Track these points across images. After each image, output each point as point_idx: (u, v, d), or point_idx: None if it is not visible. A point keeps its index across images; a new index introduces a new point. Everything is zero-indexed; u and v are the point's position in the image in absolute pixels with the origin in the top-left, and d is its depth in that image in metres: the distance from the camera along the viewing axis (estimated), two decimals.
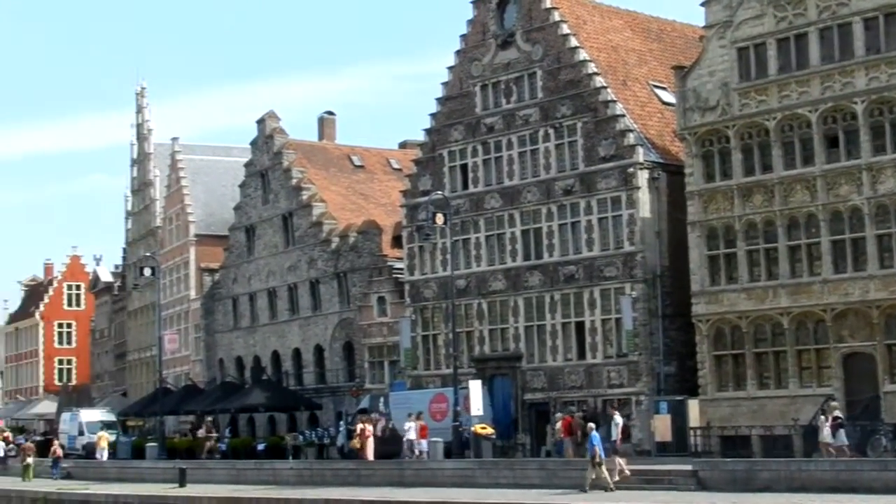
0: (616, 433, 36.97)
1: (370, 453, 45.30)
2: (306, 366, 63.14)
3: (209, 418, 57.45)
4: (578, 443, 40.47)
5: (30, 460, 57.09)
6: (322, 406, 60.34)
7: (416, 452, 43.69)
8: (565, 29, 49.98)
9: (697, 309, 44.30)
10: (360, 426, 46.38)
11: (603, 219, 47.90)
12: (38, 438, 70.70)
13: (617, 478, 34.04)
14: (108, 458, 59.46)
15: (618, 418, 37.63)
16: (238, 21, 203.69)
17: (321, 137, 74.23)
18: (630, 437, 44.54)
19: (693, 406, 44.00)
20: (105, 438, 60.21)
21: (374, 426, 47.64)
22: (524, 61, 51.01)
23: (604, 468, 33.66)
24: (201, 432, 54.79)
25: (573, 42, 49.71)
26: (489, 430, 43.98)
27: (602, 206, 47.89)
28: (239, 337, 69.01)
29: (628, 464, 35.17)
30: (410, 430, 43.88)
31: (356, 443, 45.83)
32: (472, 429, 43.43)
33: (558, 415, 44.77)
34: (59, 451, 58.05)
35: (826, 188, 41.60)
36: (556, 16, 50.26)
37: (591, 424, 36.61)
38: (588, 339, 48.13)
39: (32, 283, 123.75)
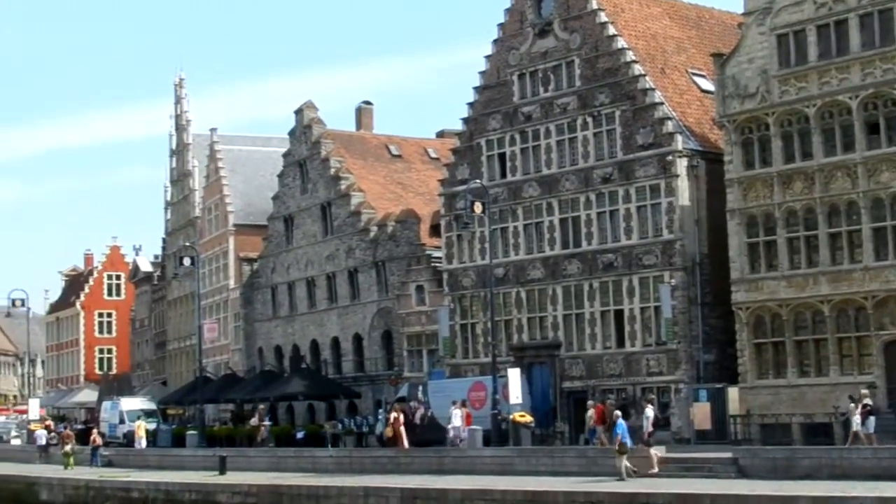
0: (647, 425, 36.85)
1: (404, 441, 45.38)
2: (345, 354, 63.31)
3: (261, 405, 57.08)
4: (610, 431, 40.40)
5: (69, 448, 57.65)
6: (361, 394, 60.49)
7: (460, 440, 43.62)
8: (603, 17, 49.86)
9: (737, 297, 44.15)
10: (392, 415, 46.48)
11: (641, 207, 47.79)
12: (79, 427, 71.18)
13: (655, 468, 34.06)
14: (148, 446, 59.87)
15: (649, 411, 37.49)
16: (276, 11, 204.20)
17: (359, 127, 74.31)
18: (669, 425, 44.46)
19: (733, 394, 43.88)
20: (143, 427, 60.60)
21: (413, 415, 47.70)
22: (562, 50, 50.91)
23: (625, 457, 33.77)
24: (254, 420, 54.50)
25: (611, 30, 49.58)
26: (528, 419, 43.97)
27: (641, 195, 47.78)
28: (278, 326, 69.27)
29: (659, 457, 35.06)
30: (455, 418, 43.82)
31: (389, 431, 45.94)
32: (511, 417, 43.43)
33: (590, 402, 44.71)
34: (99, 440, 58.51)
35: (867, 175, 41.36)
36: (594, 4, 50.14)
37: (618, 413, 36.73)
38: (627, 328, 48.05)
39: (73, 273, 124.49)
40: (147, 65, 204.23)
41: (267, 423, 55.34)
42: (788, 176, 43.09)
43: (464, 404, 44.99)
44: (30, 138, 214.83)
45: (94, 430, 61.19)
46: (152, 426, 62.84)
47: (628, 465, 33.84)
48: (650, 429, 36.33)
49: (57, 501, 50.27)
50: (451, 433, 43.73)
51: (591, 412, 43.07)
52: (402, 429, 45.46)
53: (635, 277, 47.83)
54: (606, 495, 31.07)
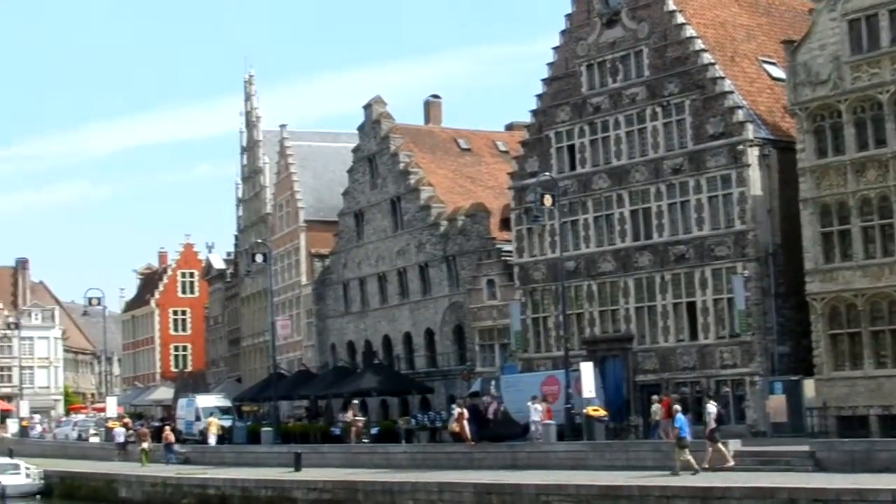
0: (710, 421, 36.54)
1: (468, 436, 45.27)
2: (417, 350, 63.37)
3: (356, 401, 56.39)
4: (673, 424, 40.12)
5: (145, 445, 58.33)
6: (434, 389, 60.54)
7: (539, 434, 43.40)
8: (671, 5, 49.42)
9: (811, 287, 43.58)
10: (456, 410, 46.52)
11: (713, 197, 47.35)
12: (156, 424, 71.91)
13: (731, 462, 33.80)
14: (223, 443, 60.33)
15: (711, 407, 37.16)
16: (344, 7, 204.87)
17: (427, 121, 74.36)
18: (745, 418, 44.02)
19: (808, 386, 43.39)
20: (215, 424, 61.12)
21: (486, 409, 47.63)
22: (630, 39, 50.56)
23: (686, 451, 33.77)
24: (349, 416, 53.56)
25: (679, 19, 49.15)
26: (601, 412, 43.75)
27: (712, 185, 47.34)
28: (350, 322, 69.47)
29: (733, 451, 34.79)
30: (535, 412, 43.66)
31: (455, 426, 45.94)
32: (584, 411, 43.25)
33: (655, 396, 44.38)
34: (171, 437, 59.15)
35: None
36: None
37: (677, 406, 36.65)
38: (700, 320, 47.65)
39: (147, 271, 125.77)
40: (217, 62, 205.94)
41: (362, 418, 54.77)
42: (862, 164, 42.45)
43: (545, 399, 44.75)
44: (102, 138, 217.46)
45: (167, 428, 61.83)
46: (227, 423, 63.34)
47: (690, 459, 33.72)
48: (713, 425, 35.98)
49: (135, 498, 50.89)
50: (533, 428, 43.52)
51: (656, 406, 42.84)
52: (466, 424, 45.38)
53: (707, 269, 47.41)
54: (682, 489, 30.92)
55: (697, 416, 40.06)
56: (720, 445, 34.87)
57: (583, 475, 35.52)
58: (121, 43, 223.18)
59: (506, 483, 35.60)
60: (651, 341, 49.31)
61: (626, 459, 37.57)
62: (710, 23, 50.88)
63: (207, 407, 67.39)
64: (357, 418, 53.45)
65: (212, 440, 60.19)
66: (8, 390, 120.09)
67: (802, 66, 44.09)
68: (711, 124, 47.31)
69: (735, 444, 36.16)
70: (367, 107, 67.88)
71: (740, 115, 46.74)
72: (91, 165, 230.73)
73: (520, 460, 40.56)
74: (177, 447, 58.72)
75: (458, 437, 45.37)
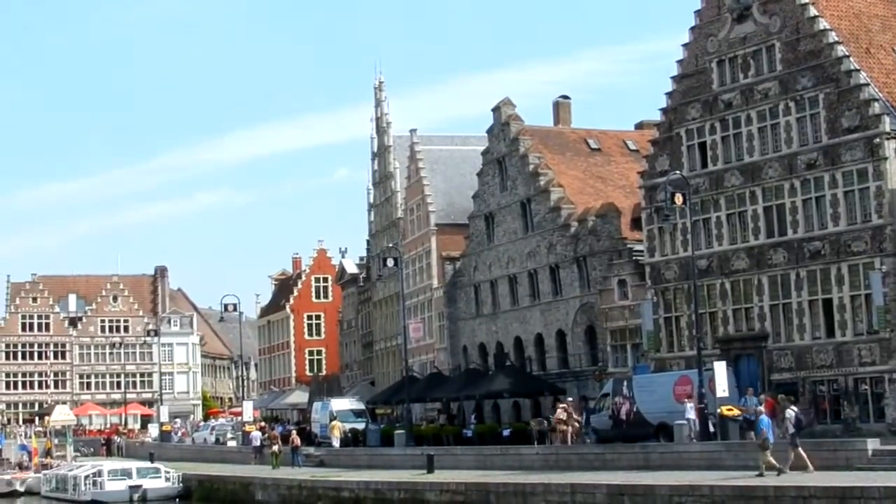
0: (789, 426, 35.81)
1: (568, 437, 46.08)
2: (549, 351, 63.11)
3: (570, 399, 54.90)
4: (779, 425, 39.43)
5: (276, 448, 59.11)
6: (566, 391, 60.16)
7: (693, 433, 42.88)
8: None
9: None
10: (559, 413, 46.31)
11: (849, 192, 46.36)
12: (291, 428, 72.66)
13: (811, 468, 33.82)
14: (358, 445, 60.79)
15: (789, 412, 36.49)
16: (472, 10, 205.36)
17: (557, 122, 74.07)
18: (884, 416, 43.02)
19: None
20: (338, 427, 61.64)
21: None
22: (761, 34, 49.76)
23: (768, 453, 33.95)
24: (560, 414, 49.27)
25: (812, 11, 48.22)
26: (735, 412, 43.05)
27: (847, 179, 46.36)
28: (481, 324, 69.48)
29: (808, 456, 34.50)
30: (689, 411, 43.12)
31: (562, 426, 45.81)
32: (718, 411, 42.64)
33: (762, 396, 43.46)
34: (297, 440, 60.10)
35: None
36: None
37: (761, 408, 36.57)
38: (836, 317, 46.66)
39: (282, 277, 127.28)
40: (350, 69, 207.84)
41: (578, 417, 50.42)
42: None
43: (702, 399, 43.97)
44: (236, 146, 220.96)
45: (293, 432, 62.52)
46: (361, 426, 63.79)
47: (772, 460, 33.89)
48: (792, 429, 35.42)
49: (271, 501, 51.51)
50: (687, 426, 42.98)
51: (761, 406, 42.01)
52: (564, 426, 45.23)
53: (844, 265, 46.42)
54: (819, 489, 30.30)
55: (835, 415, 39.28)
56: (800, 450, 34.48)
57: (717, 475, 35.02)
58: (254, 55, 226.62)
59: (638, 484, 35.27)
60: (786, 339, 48.44)
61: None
62: (843, 14, 49.84)
63: (342, 410, 67.91)
64: (573, 417, 49.63)
65: (335, 443, 60.71)
66: (148, 396, 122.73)
67: None
68: (846, 118, 46.33)
69: (874, 444, 35.41)
70: (496, 109, 67.85)
71: (876, 107, 45.68)
72: (229, 173, 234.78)
73: (652, 461, 40.17)
74: (311, 450, 59.33)
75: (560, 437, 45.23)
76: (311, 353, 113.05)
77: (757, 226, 49.64)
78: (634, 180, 58.36)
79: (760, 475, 33.65)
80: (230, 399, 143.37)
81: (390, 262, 63.56)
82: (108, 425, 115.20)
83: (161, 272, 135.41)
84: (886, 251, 44.95)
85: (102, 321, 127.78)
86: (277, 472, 55.46)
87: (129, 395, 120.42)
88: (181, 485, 59.38)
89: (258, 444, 64.71)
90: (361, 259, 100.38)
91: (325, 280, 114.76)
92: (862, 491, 29.25)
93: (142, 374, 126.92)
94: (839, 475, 32.44)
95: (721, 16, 51.36)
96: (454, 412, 66.24)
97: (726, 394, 42.84)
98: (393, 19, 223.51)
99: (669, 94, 53.89)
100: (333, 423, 62.82)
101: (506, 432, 55.88)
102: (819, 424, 44.98)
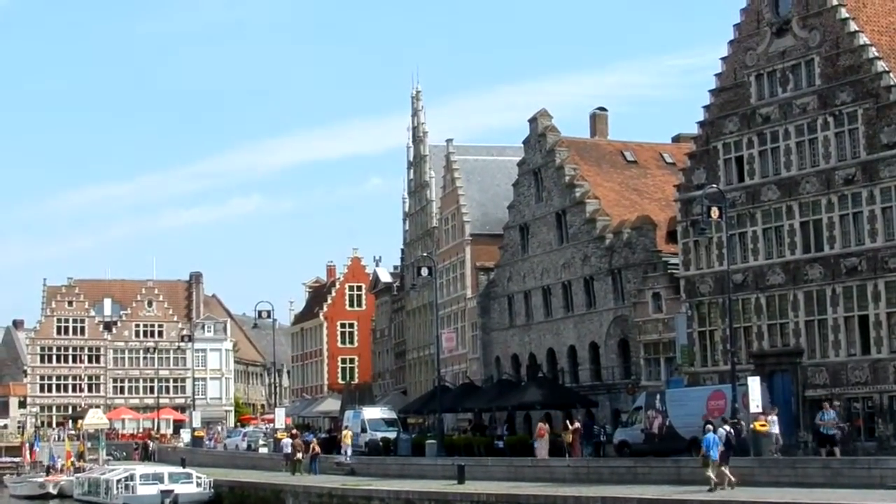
0: (720, 444, 36.51)
1: (577, 450, 46.71)
2: (581, 363, 62.92)
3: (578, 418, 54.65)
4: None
5: (299, 456, 59.31)
6: (598, 403, 60.05)
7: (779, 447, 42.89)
8: (844, 13, 48.23)
9: None
10: (572, 426, 46.48)
11: (887, 208, 46.03)
12: (323, 436, 72.70)
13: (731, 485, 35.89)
14: (389, 454, 60.77)
15: (721, 430, 37.19)
16: (508, 22, 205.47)
17: (593, 134, 73.93)
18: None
19: None
20: (349, 435, 61.70)
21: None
22: (801, 48, 49.51)
23: (707, 469, 36.11)
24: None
25: (852, 26, 47.95)
26: (768, 427, 42.80)
27: (885, 196, 46.02)
28: (514, 335, 69.34)
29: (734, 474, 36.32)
30: (774, 424, 42.89)
31: (568, 437, 45.75)
32: (752, 426, 42.39)
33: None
34: (318, 449, 60.51)
35: None
36: (834, 0, 48.55)
37: (709, 426, 37.41)
38: (872, 333, 46.31)
39: (316, 284, 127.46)
40: (387, 79, 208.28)
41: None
42: None
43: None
44: (272, 154, 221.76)
45: (314, 440, 62.67)
46: (392, 435, 63.75)
47: (711, 476, 35.83)
48: (721, 447, 36.66)
49: None
50: (774, 440, 42.97)
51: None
52: (573, 439, 45.30)
53: (881, 281, 46.09)
54: None
55: (870, 433, 39.02)
56: (724, 469, 36.17)
57: (750, 492, 34.82)
58: (290, 65, 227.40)
59: (669, 499, 35.08)
60: (821, 356, 48.12)
61: (794, 476, 36.84)
62: (884, 30, 49.53)
63: (373, 419, 67.92)
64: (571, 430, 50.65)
65: (347, 451, 60.55)
66: (181, 401, 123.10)
67: None
68: (886, 133, 46.03)
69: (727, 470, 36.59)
70: (533, 120, 67.79)
71: None
72: (264, 181, 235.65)
73: (684, 475, 39.93)
74: (341, 458, 59.49)
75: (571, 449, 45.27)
76: (343, 361, 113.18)
77: (793, 241, 49.36)
78: (670, 193, 58.15)
79: (712, 490, 35.46)
80: (262, 406, 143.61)
81: (424, 272, 63.53)
82: (141, 430, 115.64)
83: (196, 278, 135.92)
84: None
85: (137, 326, 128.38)
86: (308, 479, 55.46)
87: (161, 400, 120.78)
88: (212, 490, 59.50)
89: (289, 450, 64.72)
90: (395, 268, 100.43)
91: (359, 288, 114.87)
92: None
93: (175, 380, 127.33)
94: (872, 493, 32.16)
95: (760, 29, 51.15)
96: (485, 423, 66.09)
97: (760, 409, 42.58)
98: (431, 29, 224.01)
99: (707, 108, 53.68)
100: (346, 431, 62.88)
101: (536, 444, 55.66)
102: (853, 442, 44.63)
